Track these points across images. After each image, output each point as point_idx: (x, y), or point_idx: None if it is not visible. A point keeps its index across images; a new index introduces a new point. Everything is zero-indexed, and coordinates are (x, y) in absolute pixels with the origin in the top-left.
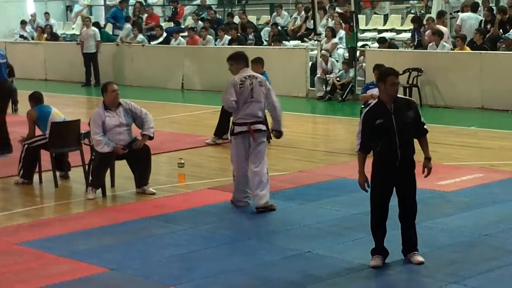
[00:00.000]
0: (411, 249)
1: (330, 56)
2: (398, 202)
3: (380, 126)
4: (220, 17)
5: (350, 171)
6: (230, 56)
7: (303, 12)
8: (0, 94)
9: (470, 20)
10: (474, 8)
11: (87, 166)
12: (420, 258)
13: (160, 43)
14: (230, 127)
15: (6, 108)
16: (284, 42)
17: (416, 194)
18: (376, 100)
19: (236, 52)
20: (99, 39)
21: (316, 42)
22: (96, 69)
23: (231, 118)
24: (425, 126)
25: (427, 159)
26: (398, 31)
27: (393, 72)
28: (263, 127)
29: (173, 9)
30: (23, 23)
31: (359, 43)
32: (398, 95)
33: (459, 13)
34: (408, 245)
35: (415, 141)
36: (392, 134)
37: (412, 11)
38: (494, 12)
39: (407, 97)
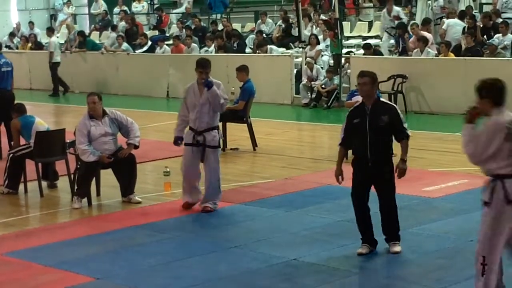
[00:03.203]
0: (391, 239)
1: (315, 63)
2: (380, 199)
3: (355, 125)
4: (204, 25)
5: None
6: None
7: (280, 21)
8: (1, 103)
9: (456, 26)
10: (461, 15)
11: (72, 176)
12: (396, 249)
13: (145, 51)
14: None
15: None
16: (271, 46)
17: (395, 194)
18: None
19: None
20: (52, 49)
21: (301, 49)
22: (52, 79)
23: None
24: (407, 132)
25: (402, 160)
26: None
27: (360, 74)
28: None
29: (158, 17)
30: (12, 35)
31: (344, 50)
32: (382, 100)
33: (444, 19)
34: (388, 235)
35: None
36: (364, 134)
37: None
38: (477, 19)
39: (389, 102)
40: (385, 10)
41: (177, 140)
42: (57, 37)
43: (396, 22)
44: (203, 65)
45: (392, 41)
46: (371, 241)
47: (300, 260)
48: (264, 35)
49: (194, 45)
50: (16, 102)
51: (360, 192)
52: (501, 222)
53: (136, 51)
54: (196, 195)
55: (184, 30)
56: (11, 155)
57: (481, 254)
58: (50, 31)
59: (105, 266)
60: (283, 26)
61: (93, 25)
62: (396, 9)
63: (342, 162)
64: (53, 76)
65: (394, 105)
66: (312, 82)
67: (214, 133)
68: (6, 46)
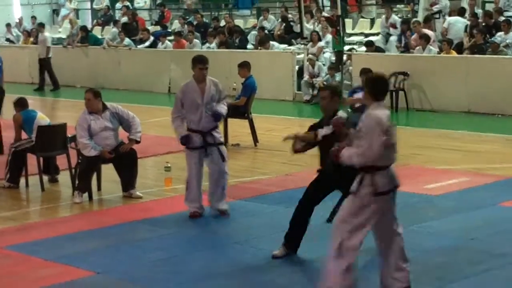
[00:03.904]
0: None
1: (317, 59)
2: None
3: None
4: (207, 21)
5: None
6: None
7: (289, 15)
8: None
9: (457, 24)
10: (461, 12)
11: (73, 170)
12: None
13: (147, 46)
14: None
15: None
16: (273, 43)
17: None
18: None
19: None
20: (49, 45)
21: (302, 46)
22: (50, 74)
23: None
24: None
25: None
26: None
27: (320, 87)
28: None
29: (160, 13)
30: (8, 26)
31: (346, 47)
32: (338, 113)
33: (446, 17)
34: None
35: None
36: (321, 148)
37: (398, 16)
38: (479, 16)
39: (339, 116)
40: (383, 16)
41: (187, 139)
42: (59, 31)
43: (391, 29)
44: (203, 61)
45: (393, 37)
46: (296, 246)
47: (300, 256)
48: (266, 31)
49: (196, 41)
50: (18, 96)
51: (315, 199)
52: (365, 213)
53: (138, 46)
54: (200, 201)
55: (186, 26)
56: (12, 149)
57: (339, 237)
58: (42, 26)
59: (105, 261)
60: (284, 24)
61: (95, 20)
62: (395, 17)
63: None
64: (49, 71)
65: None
66: (314, 79)
67: (218, 130)
68: (7, 40)
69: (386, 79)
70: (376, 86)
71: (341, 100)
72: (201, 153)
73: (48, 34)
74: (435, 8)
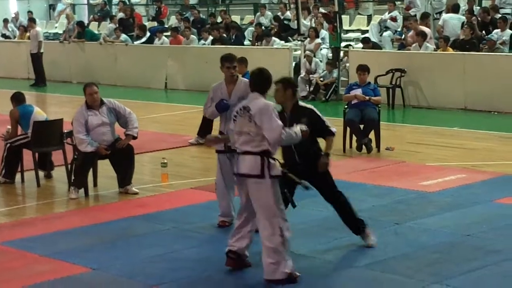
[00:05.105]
0: (359, 231)
1: (314, 56)
2: (323, 196)
3: None
4: (203, 16)
5: (333, 172)
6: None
7: (287, 12)
8: None
9: (452, 20)
10: (455, 8)
11: (69, 166)
12: (369, 241)
13: (143, 42)
14: None
15: None
16: (274, 38)
17: (336, 187)
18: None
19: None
20: (40, 39)
21: (299, 42)
22: (38, 69)
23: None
24: (332, 129)
25: (325, 154)
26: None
27: (276, 81)
28: None
29: (157, 9)
30: (5, 21)
31: (343, 44)
32: (301, 104)
33: (443, 14)
34: (353, 229)
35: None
36: None
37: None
38: (475, 13)
39: (306, 106)
40: (387, 13)
41: (221, 101)
42: (56, 27)
43: (390, 21)
44: (230, 59)
45: (388, 32)
46: None
47: (296, 253)
48: (263, 27)
49: (193, 37)
50: (15, 91)
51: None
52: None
53: (135, 42)
54: (226, 208)
55: (182, 22)
56: (8, 145)
57: None
58: (33, 21)
59: (101, 257)
60: (277, 24)
61: (91, 16)
62: (396, 12)
63: None
64: (39, 66)
65: (312, 107)
66: (311, 75)
67: None
68: (3, 35)
69: (258, 73)
70: (250, 78)
71: (295, 93)
72: (229, 157)
73: (39, 28)
74: (412, 12)
